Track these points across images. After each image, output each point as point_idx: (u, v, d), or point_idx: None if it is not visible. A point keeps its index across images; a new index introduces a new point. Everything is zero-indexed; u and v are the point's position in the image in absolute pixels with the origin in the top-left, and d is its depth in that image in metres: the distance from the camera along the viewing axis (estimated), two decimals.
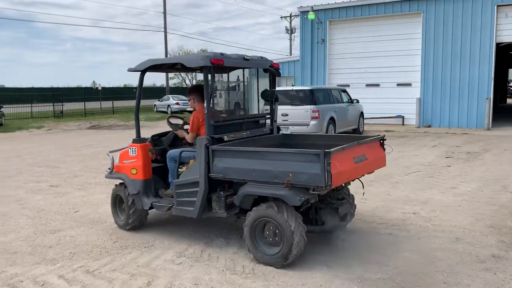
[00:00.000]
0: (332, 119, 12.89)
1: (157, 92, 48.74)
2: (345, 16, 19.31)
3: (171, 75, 59.38)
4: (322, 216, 4.66)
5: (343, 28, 19.71)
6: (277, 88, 14.16)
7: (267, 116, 5.69)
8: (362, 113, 15.62)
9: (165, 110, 31.66)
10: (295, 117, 12.27)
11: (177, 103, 31.35)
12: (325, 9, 19.66)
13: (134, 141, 5.25)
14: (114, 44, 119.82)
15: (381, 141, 4.94)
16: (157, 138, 5.67)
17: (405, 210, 5.99)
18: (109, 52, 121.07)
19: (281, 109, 12.51)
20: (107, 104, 31.75)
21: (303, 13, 20.14)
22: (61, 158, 11.16)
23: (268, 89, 5.53)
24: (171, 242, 4.86)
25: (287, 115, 12.39)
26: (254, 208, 4.28)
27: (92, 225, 5.55)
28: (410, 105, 17.84)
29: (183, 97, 33.41)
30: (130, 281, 3.92)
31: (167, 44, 37.41)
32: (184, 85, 67.63)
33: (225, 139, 4.80)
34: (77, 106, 28.63)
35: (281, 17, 53.52)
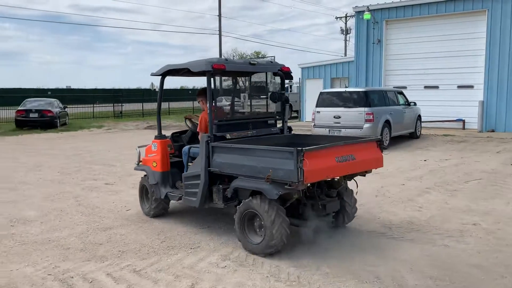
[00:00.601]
0: (387, 122, 12.43)
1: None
2: (402, 15, 18.61)
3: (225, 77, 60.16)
4: (306, 212, 4.83)
5: (401, 28, 19.00)
6: (331, 90, 13.93)
7: (277, 117, 6.02)
8: (419, 116, 14.95)
9: None
10: (348, 120, 11.95)
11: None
12: (381, 9, 19.06)
13: (156, 137, 5.86)
14: (172, 47, 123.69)
15: (378, 143, 5.11)
16: (177, 135, 6.18)
17: (464, 221, 5.60)
18: (167, 55, 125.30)
19: (333, 111, 12.26)
20: (163, 105, 32.72)
21: (359, 13, 19.65)
22: (117, 157, 11.58)
23: (277, 91, 5.91)
24: (217, 245, 4.84)
25: (339, 117, 12.10)
26: (244, 200, 4.64)
27: (142, 224, 5.66)
28: (472, 108, 16.84)
29: (236, 99, 33.74)
30: (174, 282, 3.93)
31: (221, 47, 37.99)
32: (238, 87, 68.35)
33: (227, 137, 5.24)
34: (136, 107, 29.78)
35: (336, 18, 52.63)
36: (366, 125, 11.78)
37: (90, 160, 11.20)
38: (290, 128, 6.11)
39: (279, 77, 5.94)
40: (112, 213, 6.20)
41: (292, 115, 27.10)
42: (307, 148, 4.18)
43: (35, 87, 51.95)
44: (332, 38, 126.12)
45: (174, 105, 33.68)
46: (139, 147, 6.43)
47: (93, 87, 59.47)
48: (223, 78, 5.87)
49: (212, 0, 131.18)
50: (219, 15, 37.28)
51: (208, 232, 5.29)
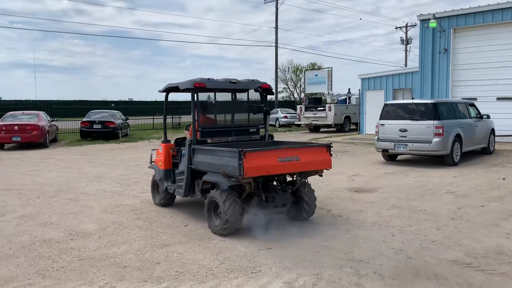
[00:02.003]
0: (458, 137, 11.50)
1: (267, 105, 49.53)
2: (472, 23, 17.44)
3: (280, 88, 60.13)
4: (259, 203, 5.74)
5: (470, 36, 17.82)
6: (396, 101, 13.18)
7: (260, 126, 7.20)
8: (493, 130, 13.80)
9: (273, 123, 31.86)
10: (415, 133, 11.18)
11: (285, 117, 31.38)
12: (448, 16, 18.00)
13: (162, 142, 7.23)
14: (229, 61, 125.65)
15: (328, 147, 6.10)
16: (180, 141, 7.24)
17: None
18: (223, 68, 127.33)
19: (399, 124, 11.54)
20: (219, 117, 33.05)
21: (423, 21, 18.69)
22: None
23: (257, 105, 7.09)
24: (279, 269, 4.44)
25: (405, 130, 11.36)
26: (211, 191, 5.82)
27: (200, 242, 5.38)
28: None
29: (291, 111, 33.38)
30: None
31: (277, 59, 37.93)
32: (292, 99, 68.05)
33: (208, 141, 6.55)
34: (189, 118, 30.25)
35: (396, 28, 51.04)
36: (435, 139, 10.95)
37: (149, 171, 11.21)
38: (271, 136, 7.29)
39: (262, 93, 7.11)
40: (169, 229, 5.99)
41: (351, 127, 26.28)
42: (247, 149, 5.28)
43: (99, 99, 54.57)
44: (391, 48, 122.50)
45: (228, 117, 33.84)
46: (152, 150, 7.77)
47: (153, 100, 61.51)
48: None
49: (269, 13, 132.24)
50: (276, 27, 37.28)
51: (269, 254, 4.91)
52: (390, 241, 5.35)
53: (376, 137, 12.19)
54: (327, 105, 25.43)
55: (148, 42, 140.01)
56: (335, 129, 25.83)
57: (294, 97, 68.76)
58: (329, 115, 24.82)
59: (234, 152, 5.26)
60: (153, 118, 28.23)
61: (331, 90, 27.64)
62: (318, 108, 25.95)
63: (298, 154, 5.75)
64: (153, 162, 7.52)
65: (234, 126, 7.09)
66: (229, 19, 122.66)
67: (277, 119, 31.68)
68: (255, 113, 7.17)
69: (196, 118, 6.42)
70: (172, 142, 7.20)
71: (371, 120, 21.59)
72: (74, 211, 7.04)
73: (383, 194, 8.18)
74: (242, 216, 5.59)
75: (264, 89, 7.00)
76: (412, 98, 17.10)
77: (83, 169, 11.78)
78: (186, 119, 29.39)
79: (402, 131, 11.38)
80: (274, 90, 39.99)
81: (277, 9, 37.17)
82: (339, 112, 25.23)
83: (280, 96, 59.00)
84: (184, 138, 7.16)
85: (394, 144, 11.58)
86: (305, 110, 26.24)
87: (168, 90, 7.18)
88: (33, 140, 17.49)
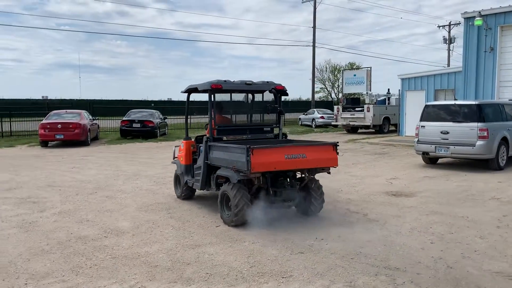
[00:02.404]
0: (504, 140, 10.93)
1: (303, 105, 49.25)
2: None
3: (317, 89, 59.61)
4: (268, 197, 6.10)
5: None
6: (438, 102, 12.68)
7: (274, 125, 7.53)
8: None
9: (310, 123, 31.56)
10: (457, 136, 10.71)
11: (322, 117, 30.97)
12: (495, 14, 17.17)
13: (184, 139, 7.69)
14: (265, 61, 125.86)
15: (334, 146, 6.37)
16: (200, 138, 7.44)
17: None
18: (260, 68, 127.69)
19: (440, 126, 11.09)
20: (255, 117, 33.05)
21: (468, 19, 17.91)
22: None
23: (271, 105, 7.50)
24: (311, 275, 4.32)
25: (447, 133, 10.90)
26: (223, 184, 6.26)
27: (231, 243, 5.33)
28: None
29: (328, 111, 32.93)
30: None
31: (314, 59, 37.56)
32: (330, 99, 67.26)
33: (223, 139, 6.94)
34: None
35: (438, 27, 49.37)
36: (480, 143, 10.45)
37: None
38: (285, 135, 7.70)
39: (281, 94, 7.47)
40: (202, 229, 5.98)
41: (390, 129, 25.63)
42: (255, 146, 5.63)
43: (140, 99, 55.95)
44: (432, 48, 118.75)
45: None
46: (175, 146, 8.40)
47: (191, 99, 62.42)
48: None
49: (307, 13, 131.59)
50: (314, 27, 36.92)
51: (301, 259, 4.79)
52: (429, 249, 5.10)
53: (416, 139, 11.77)
54: (365, 106, 24.89)
55: (188, 43, 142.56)
56: (373, 130, 25.25)
57: (331, 97, 67.95)
58: (367, 116, 24.28)
59: (242, 149, 5.68)
60: (190, 118, 28.58)
61: (370, 90, 27.02)
62: (356, 109, 25.45)
63: (305, 152, 6.07)
64: (176, 157, 8.08)
65: (249, 125, 7.50)
66: (267, 19, 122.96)
67: (313, 119, 31.32)
68: (269, 113, 7.57)
69: (212, 117, 6.85)
70: (193, 140, 7.66)
71: (411, 122, 20.96)
72: (110, 209, 7.17)
73: (422, 198, 7.86)
74: (251, 209, 5.93)
75: (278, 91, 7.35)
76: (455, 99, 16.42)
77: (121, 167, 12.03)
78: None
79: (443, 133, 10.93)
80: (311, 90, 39.70)
81: (315, 9, 36.81)
82: (378, 113, 24.63)
83: (317, 96, 58.45)
84: (204, 136, 7.40)
85: (435, 146, 11.14)
86: (343, 111, 25.81)
87: (189, 91, 7.67)
88: (75, 138, 18.07)
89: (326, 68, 66.59)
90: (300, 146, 6.30)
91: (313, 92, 39.90)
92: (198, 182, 6.94)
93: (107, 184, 9.39)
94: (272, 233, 5.72)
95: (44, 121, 18.40)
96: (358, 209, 7.08)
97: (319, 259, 4.77)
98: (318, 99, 59.91)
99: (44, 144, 18.25)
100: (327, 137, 23.80)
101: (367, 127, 25.15)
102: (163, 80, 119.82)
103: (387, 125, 25.37)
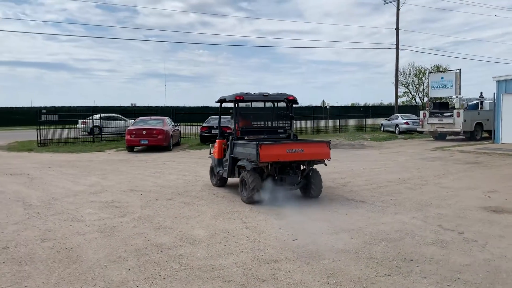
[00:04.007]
0: None
1: (386, 111, 47.25)
2: None
3: (400, 93, 57.05)
4: (276, 182, 7.92)
5: None
6: None
7: (286, 127, 9.43)
8: None
9: (393, 129, 29.99)
10: None
11: (406, 123, 29.26)
12: None
13: (217, 138, 9.47)
14: (345, 65, 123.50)
15: (327, 143, 7.99)
16: (228, 137, 9.07)
17: None
18: (340, 72, 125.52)
19: None
20: (334, 123, 32.22)
21: None
22: None
23: (283, 112, 9.43)
24: None
25: None
26: (242, 172, 8.10)
27: (310, 260, 4.95)
28: None
29: (413, 116, 31.11)
30: None
31: (398, 62, 35.83)
32: (414, 103, 63.96)
33: (245, 138, 8.78)
34: (307, 124, 29.94)
35: None
36: None
37: None
38: (296, 135, 9.53)
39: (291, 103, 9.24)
40: (278, 242, 5.66)
41: (483, 135, 23.54)
42: (263, 142, 7.65)
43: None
44: None
45: (345, 122, 32.82)
46: (211, 144, 10.17)
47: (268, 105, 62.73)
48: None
49: (390, 15, 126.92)
50: (397, 29, 35.26)
51: (389, 282, 4.27)
52: None
53: None
54: (455, 111, 23.04)
55: (266, 50, 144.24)
56: (464, 137, 23.31)
57: (415, 101, 64.63)
58: (457, 122, 22.47)
59: (254, 144, 7.56)
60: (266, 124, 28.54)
61: (460, 94, 25.02)
62: (445, 114, 23.68)
63: (302, 147, 7.86)
64: (211, 153, 9.98)
65: (266, 128, 9.43)
66: (347, 22, 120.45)
67: (396, 125, 29.72)
68: (282, 118, 9.46)
69: (236, 122, 8.86)
70: (225, 139, 9.34)
71: (508, 128, 19.02)
72: (187, 215, 7.13)
73: None
74: (262, 190, 7.74)
75: (290, 100, 9.06)
76: None
77: (199, 173, 12.16)
78: (300, 124, 29.30)
79: None
80: (394, 94, 37.83)
81: (398, 10, 35.12)
82: (469, 118, 22.69)
83: (400, 100, 55.91)
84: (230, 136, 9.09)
85: None
86: (429, 116, 24.16)
87: (221, 101, 9.46)
88: (158, 144, 18.77)
89: (410, 71, 63.50)
90: (299, 143, 8.34)
91: (396, 96, 38.02)
92: (226, 171, 8.91)
93: (185, 190, 9.46)
94: (355, 250, 5.24)
95: (130, 127, 19.36)
96: (452, 226, 6.33)
97: (409, 283, 4.23)
98: (401, 104, 57.31)
99: (130, 149, 19.18)
100: (413, 144, 22.40)
101: (456, 133, 23.28)
102: (242, 87, 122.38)
103: (479, 132, 23.28)
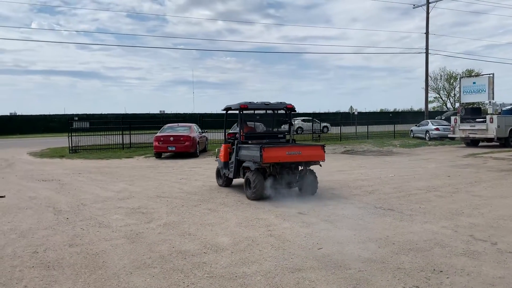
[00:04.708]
0: None
1: (415, 116, 46.31)
2: None
3: (430, 98, 55.85)
4: (278, 181, 8.95)
5: None
6: None
7: (285, 133, 10.48)
8: None
9: (423, 136, 29.31)
10: None
11: (437, 129, 28.57)
12: None
13: (223, 143, 10.48)
14: (374, 70, 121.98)
15: (322, 146, 9.06)
16: (234, 142, 10.10)
17: None
18: (368, 78, 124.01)
19: None
20: (362, 129, 31.77)
21: None
22: None
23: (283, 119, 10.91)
24: None
25: None
26: (246, 173, 9.15)
27: (335, 270, 4.84)
28: None
29: (444, 122, 30.36)
30: None
31: (427, 66, 35.09)
32: (445, 109, 62.48)
33: (249, 143, 9.68)
34: (333, 130, 29.66)
35: None
36: None
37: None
38: (294, 140, 10.62)
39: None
40: (302, 250, 5.58)
41: None
42: (265, 145, 8.58)
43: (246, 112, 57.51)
44: None
45: (373, 128, 32.31)
46: (217, 148, 11.09)
47: (295, 112, 62.55)
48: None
49: (419, 19, 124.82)
50: (426, 33, 34.60)
51: None
52: None
53: None
54: (488, 116, 22.33)
55: (293, 56, 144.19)
56: (497, 143, 22.54)
57: (446, 107, 63.11)
58: (490, 128, 21.76)
59: (258, 147, 8.54)
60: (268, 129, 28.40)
61: (493, 99, 24.24)
62: (477, 120, 22.99)
63: (300, 150, 8.89)
64: (218, 157, 10.88)
65: (268, 133, 10.53)
66: (376, 27, 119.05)
67: (427, 131, 29.03)
68: (282, 124, 11.14)
69: (241, 128, 9.82)
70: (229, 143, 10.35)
71: None
72: (212, 222, 7.13)
73: None
74: (265, 188, 8.76)
75: (288, 109, 10.09)
76: None
77: None
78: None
79: None
80: (424, 100, 37.04)
81: (427, 14, 34.47)
82: (504, 124, 21.93)
83: (430, 106, 54.70)
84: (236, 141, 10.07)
85: None
86: (461, 122, 23.50)
87: (226, 109, 10.45)
88: (185, 150, 18.96)
89: (441, 76, 62.21)
90: (297, 146, 9.28)
91: (427, 102, 37.19)
92: (232, 172, 9.87)
93: (211, 197, 9.48)
94: (382, 260, 5.10)
95: (158, 134, 19.65)
96: (485, 236, 6.09)
97: None
98: (432, 109, 56.07)
99: (158, 155, 19.45)
100: (443, 150, 21.82)
101: (490, 140, 22.54)
102: (268, 93, 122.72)
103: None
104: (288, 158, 8.66)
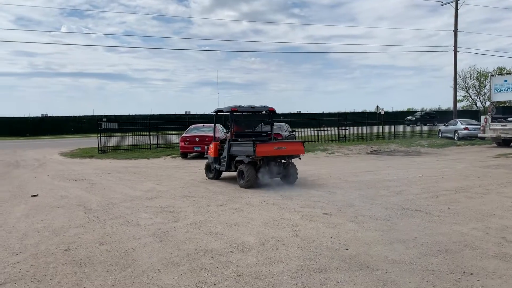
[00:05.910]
0: None
1: (444, 115, 45.33)
2: None
3: (459, 97, 54.56)
4: (266, 172, 10.63)
5: None
6: None
7: (268, 132, 12.21)
8: None
9: (451, 135, 28.64)
10: None
11: (466, 128, 27.86)
12: None
13: (213, 141, 12.23)
14: (400, 69, 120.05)
15: (302, 142, 11.00)
16: (223, 140, 11.86)
17: None
18: (395, 76, 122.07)
19: None
20: (388, 129, 31.30)
21: None
22: (338, 184, 11.09)
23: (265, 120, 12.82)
24: None
25: None
26: (239, 166, 10.78)
27: (361, 271, 4.82)
28: None
29: (474, 122, 29.60)
30: None
31: (456, 64, 34.28)
32: (475, 108, 60.93)
33: (238, 140, 11.32)
34: (360, 130, 29.32)
35: None
36: None
37: (311, 184, 11.03)
38: (276, 138, 12.89)
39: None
40: (328, 251, 5.56)
41: None
42: (258, 142, 10.34)
43: None
44: None
45: (400, 128, 31.79)
46: (207, 146, 12.90)
47: (320, 111, 62.20)
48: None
49: (448, 16, 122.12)
50: (455, 30, 33.79)
51: None
52: None
53: None
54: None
55: (318, 56, 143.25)
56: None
57: (476, 106, 61.54)
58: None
59: (251, 143, 10.23)
60: (319, 130, 28.26)
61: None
62: (508, 119, 22.33)
63: (285, 146, 10.90)
64: (207, 153, 12.42)
65: (253, 132, 12.25)
66: (402, 25, 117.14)
67: (455, 131, 28.35)
68: (265, 124, 12.72)
69: (232, 127, 11.33)
70: (218, 141, 12.08)
71: None
72: (238, 222, 7.19)
73: None
74: (256, 178, 10.53)
75: (270, 111, 11.82)
76: None
77: None
78: (353, 131, 28.76)
79: None
80: (452, 99, 36.20)
81: (456, 11, 33.66)
82: None
83: (459, 105, 53.42)
84: (225, 139, 11.78)
85: None
86: (492, 121, 22.87)
87: (217, 112, 12.08)
88: None
89: (470, 74, 60.65)
90: (283, 142, 11.91)
91: (455, 101, 36.32)
92: (224, 166, 11.45)
93: (236, 196, 9.55)
94: (410, 261, 5.04)
95: (184, 135, 19.89)
96: None
97: None
98: (460, 109, 54.77)
99: (184, 155, 19.68)
100: (473, 150, 21.29)
101: None
102: (293, 93, 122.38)
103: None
104: (275, 152, 10.47)
